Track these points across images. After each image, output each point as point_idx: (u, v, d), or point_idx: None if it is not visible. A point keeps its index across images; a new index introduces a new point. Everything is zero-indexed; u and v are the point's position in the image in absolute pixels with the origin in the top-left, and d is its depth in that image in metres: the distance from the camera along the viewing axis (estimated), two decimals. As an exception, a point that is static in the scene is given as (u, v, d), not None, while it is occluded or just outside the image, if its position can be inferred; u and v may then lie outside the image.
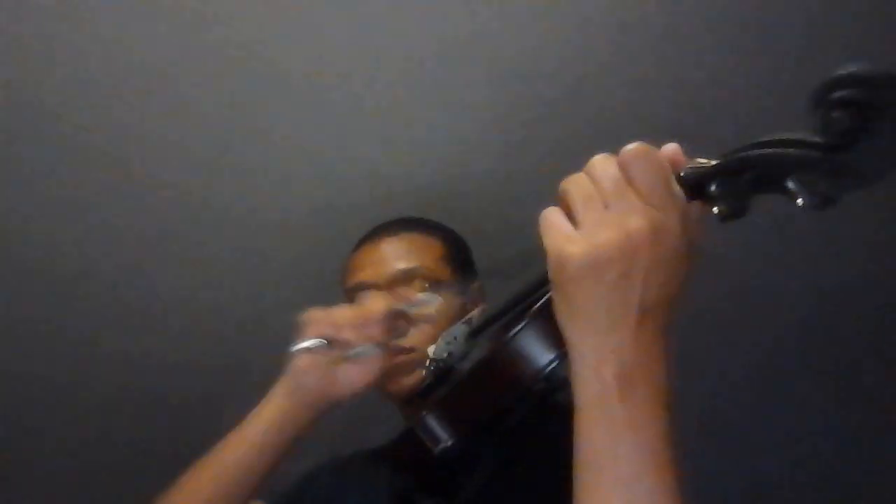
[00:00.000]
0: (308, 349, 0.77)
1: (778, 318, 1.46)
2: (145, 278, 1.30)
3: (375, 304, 0.80)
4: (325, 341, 0.77)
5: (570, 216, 0.48)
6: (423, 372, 0.79)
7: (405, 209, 1.08)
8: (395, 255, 0.97)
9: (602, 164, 0.48)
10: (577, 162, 0.50)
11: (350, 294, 0.98)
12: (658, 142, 0.50)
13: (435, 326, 0.92)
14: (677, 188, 0.48)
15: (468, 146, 1.26)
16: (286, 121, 1.21)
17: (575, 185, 0.48)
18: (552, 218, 0.49)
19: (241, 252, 1.31)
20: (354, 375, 0.78)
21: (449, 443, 0.66)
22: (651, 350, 0.47)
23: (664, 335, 0.48)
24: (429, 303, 0.86)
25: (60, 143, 1.18)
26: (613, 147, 0.49)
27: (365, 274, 0.97)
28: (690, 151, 0.55)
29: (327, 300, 1.27)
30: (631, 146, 0.48)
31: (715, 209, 0.46)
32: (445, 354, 0.77)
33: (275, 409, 0.78)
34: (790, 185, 0.43)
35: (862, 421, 1.55)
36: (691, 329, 0.82)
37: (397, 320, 0.80)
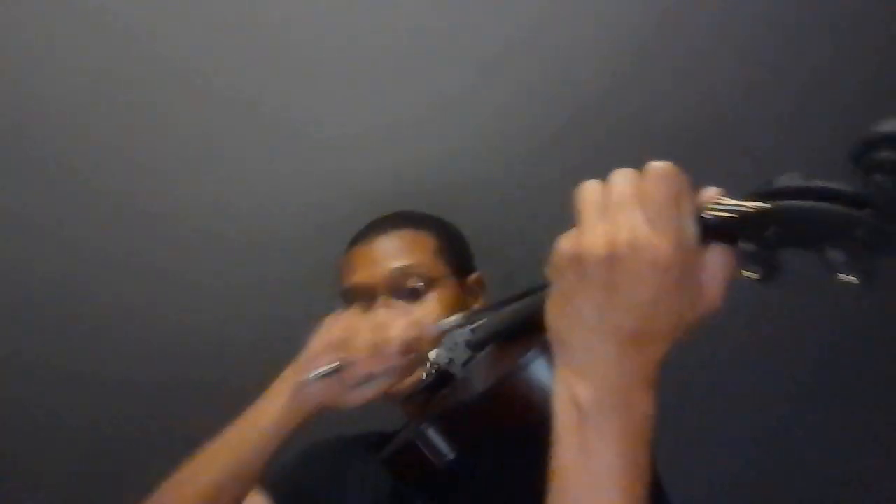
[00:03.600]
0: (323, 375, 0.75)
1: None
2: (147, 276, 1.29)
3: (396, 328, 0.75)
4: (341, 366, 0.75)
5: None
6: (423, 373, 0.79)
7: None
8: (388, 253, 0.95)
9: (618, 176, 0.46)
10: (592, 169, 0.49)
11: (347, 295, 0.96)
12: (677, 152, 0.47)
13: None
14: (690, 224, 0.44)
15: (476, 149, 1.24)
16: (288, 121, 1.18)
17: (585, 190, 0.47)
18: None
19: (242, 247, 1.30)
20: (362, 391, 0.77)
21: (451, 456, 0.67)
22: (637, 379, 0.45)
23: (654, 369, 0.46)
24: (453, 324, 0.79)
25: (56, 152, 1.16)
26: (630, 156, 0.47)
27: (359, 276, 0.95)
28: (712, 165, 0.51)
29: (328, 295, 1.28)
30: (659, 164, 0.45)
31: (747, 273, 0.42)
32: (447, 361, 0.77)
33: (276, 409, 0.77)
34: (832, 253, 0.37)
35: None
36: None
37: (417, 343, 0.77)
